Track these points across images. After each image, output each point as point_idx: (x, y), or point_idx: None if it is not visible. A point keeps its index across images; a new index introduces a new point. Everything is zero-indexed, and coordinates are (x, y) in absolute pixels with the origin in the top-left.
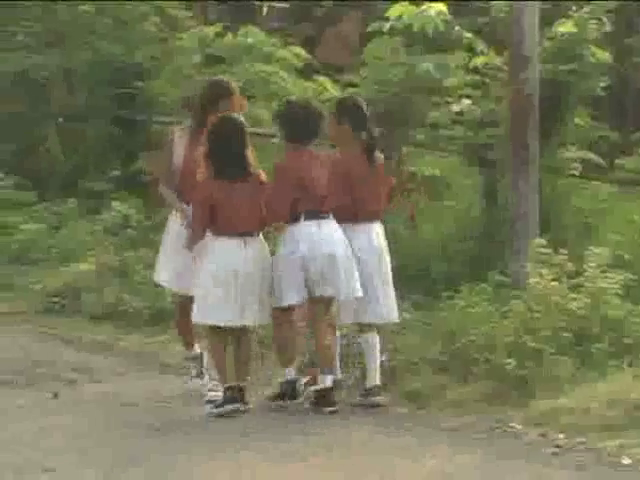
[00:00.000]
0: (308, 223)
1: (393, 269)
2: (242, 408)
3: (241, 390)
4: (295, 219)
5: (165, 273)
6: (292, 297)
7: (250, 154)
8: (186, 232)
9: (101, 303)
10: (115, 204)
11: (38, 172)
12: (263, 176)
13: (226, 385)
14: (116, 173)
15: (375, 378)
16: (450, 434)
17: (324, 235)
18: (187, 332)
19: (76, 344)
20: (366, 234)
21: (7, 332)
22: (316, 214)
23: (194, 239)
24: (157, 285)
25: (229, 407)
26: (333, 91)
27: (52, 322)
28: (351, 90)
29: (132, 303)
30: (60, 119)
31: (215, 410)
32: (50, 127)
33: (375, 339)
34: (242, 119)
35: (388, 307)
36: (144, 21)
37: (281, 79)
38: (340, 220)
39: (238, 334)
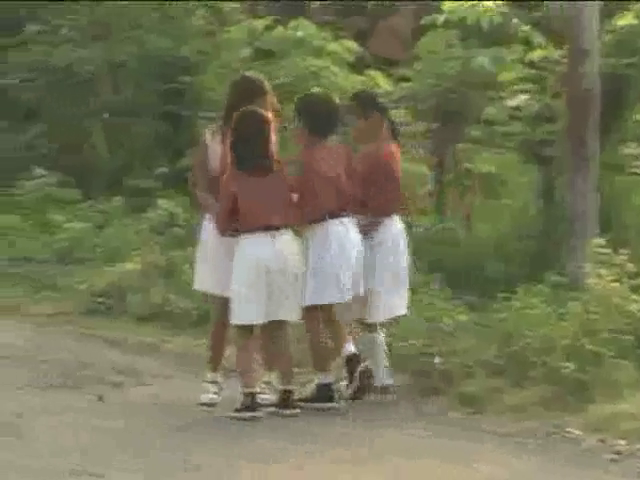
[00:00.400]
0: (336, 222)
1: (447, 269)
2: (260, 415)
3: (289, 393)
4: (322, 218)
5: (209, 280)
6: (333, 295)
7: (273, 148)
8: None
9: (147, 303)
10: (161, 202)
11: (83, 169)
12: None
13: (247, 390)
14: (163, 170)
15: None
16: (506, 439)
17: (352, 235)
18: (219, 344)
19: (122, 346)
20: (398, 226)
21: (53, 334)
22: (341, 213)
23: (221, 234)
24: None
25: (247, 414)
26: (386, 86)
27: (97, 323)
28: (404, 85)
29: (179, 304)
30: (105, 115)
31: (234, 414)
32: (95, 123)
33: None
34: (264, 112)
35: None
36: (192, 15)
37: (332, 73)
38: (379, 214)
39: (272, 332)
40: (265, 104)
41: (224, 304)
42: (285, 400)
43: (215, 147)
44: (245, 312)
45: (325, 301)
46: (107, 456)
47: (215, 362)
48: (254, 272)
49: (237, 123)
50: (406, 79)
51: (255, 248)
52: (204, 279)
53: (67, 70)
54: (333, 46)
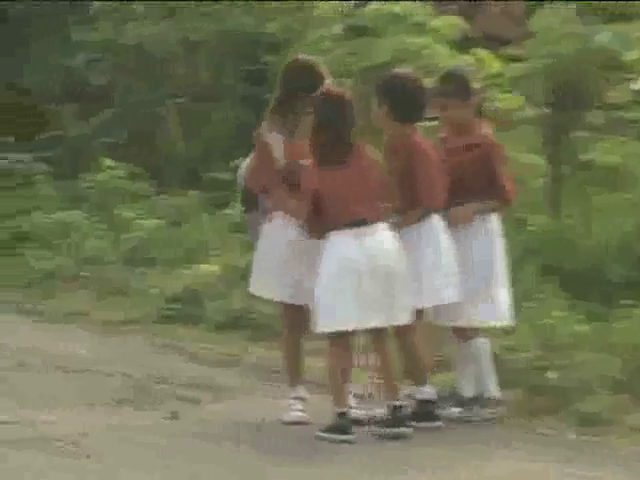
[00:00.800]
0: (437, 216)
1: (564, 272)
2: (352, 439)
3: (399, 408)
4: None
5: (278, 287)
6: (453, 295)
7: (355, 134)
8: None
9: (226, 310)
10: None
11: (155, 159)
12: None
13: (339, 410)
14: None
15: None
16: (631, 464)
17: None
18: (294, 356)
19: (198, 357)
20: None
21: (123, 343)
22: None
23: (312, 236)
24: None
25: (338, 437)
26: (496, 66)
27: (171, 331)
28: (515, 66)
29: (262, 310)
30: (181, 99)
31: (322, 434)
32: (169, 108)
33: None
34: (345, 93)
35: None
36: None
37: (435, 53)
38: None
39: (372, 339)
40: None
41: (295, 311)
42: (394, 418)
43: (276, 141)
44: (335, 316)
45: (445, 301)
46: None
47: (293, 376)
48: (342, 272)
49: (316, 110)
50: (517, 59)
51: (342, 247)
52: (276, 287)
53: (138, 49)
54: (436, 22)
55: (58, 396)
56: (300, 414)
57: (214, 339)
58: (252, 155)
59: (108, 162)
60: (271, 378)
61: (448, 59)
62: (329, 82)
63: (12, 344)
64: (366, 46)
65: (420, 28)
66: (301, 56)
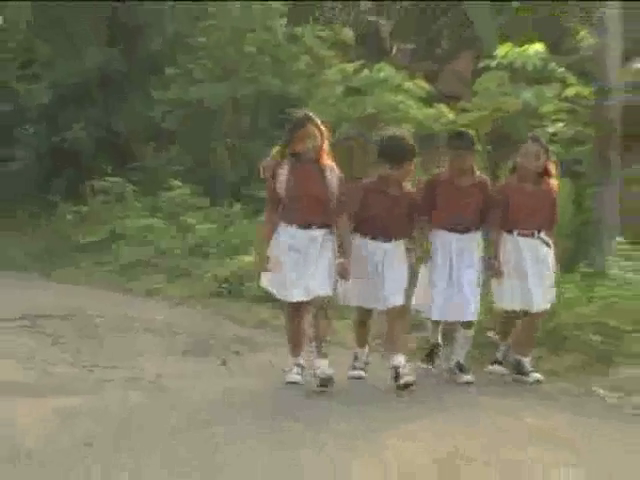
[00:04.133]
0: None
1: None
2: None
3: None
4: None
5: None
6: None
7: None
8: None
9: (260, 288)
10: None
11: (210, 181)
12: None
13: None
14: None
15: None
16: (545, 397)
17: None
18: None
19: (241, 321)
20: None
21: (187, 312)
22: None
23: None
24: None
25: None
26: (450, 116)
27: (220, 304)
28: (465, 115)
29: None
30: (228, 139)
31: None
32: (220, 145)
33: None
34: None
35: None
36: (297, 60)
37: (408, 107)
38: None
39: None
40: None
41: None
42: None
43: (289, 174)
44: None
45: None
46: (234, 407)
47: (294, 349)
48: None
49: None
50: (466, 110)
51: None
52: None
53: (199, 104)
54: (408, 85)
55: (143, 349)
56: (298, 377)
57: (252, 309)
58: None
59: (176, 183)
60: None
61: (417, 111)
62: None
63: (109, 313)
64: (360, 101)
65: (397, 88)
66: (302, 112)
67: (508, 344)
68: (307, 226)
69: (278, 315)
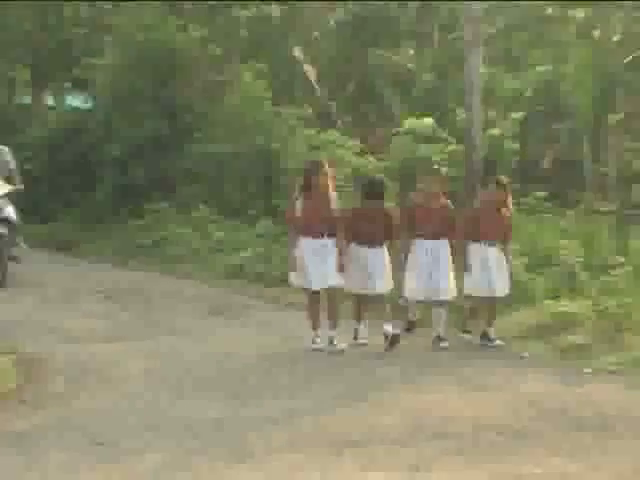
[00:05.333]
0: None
1: None
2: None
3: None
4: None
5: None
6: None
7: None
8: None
9: (270, 275)
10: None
11: (223, 205)
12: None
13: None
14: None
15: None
16: (501, 357)
17: None
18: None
19: (242, 294)
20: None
21: (208, 288)
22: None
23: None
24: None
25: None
26: (375, 163)
27: (230, 283)
28: (382, 163)
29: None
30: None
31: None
32: (229, 181)
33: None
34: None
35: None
36: (278, 127)
37: (347, 157)
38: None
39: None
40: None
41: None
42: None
43: (300, 202)
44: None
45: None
46: (240, 354)
47: (314, 324)
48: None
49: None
50: (383, 160)
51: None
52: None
53: (215, 156)
54: (349, 144)
55: (180, 311)
56: (321, 345)
57: (249, 286)
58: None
59: (201, 206)
60: (294, 306)
61: (354, 160)
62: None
63: (158, 289)
64: (318, 155)
65: (342, 146)
66: (313, 159)
67: (478, 319)
68: (320, 237)
69: (268, 290)
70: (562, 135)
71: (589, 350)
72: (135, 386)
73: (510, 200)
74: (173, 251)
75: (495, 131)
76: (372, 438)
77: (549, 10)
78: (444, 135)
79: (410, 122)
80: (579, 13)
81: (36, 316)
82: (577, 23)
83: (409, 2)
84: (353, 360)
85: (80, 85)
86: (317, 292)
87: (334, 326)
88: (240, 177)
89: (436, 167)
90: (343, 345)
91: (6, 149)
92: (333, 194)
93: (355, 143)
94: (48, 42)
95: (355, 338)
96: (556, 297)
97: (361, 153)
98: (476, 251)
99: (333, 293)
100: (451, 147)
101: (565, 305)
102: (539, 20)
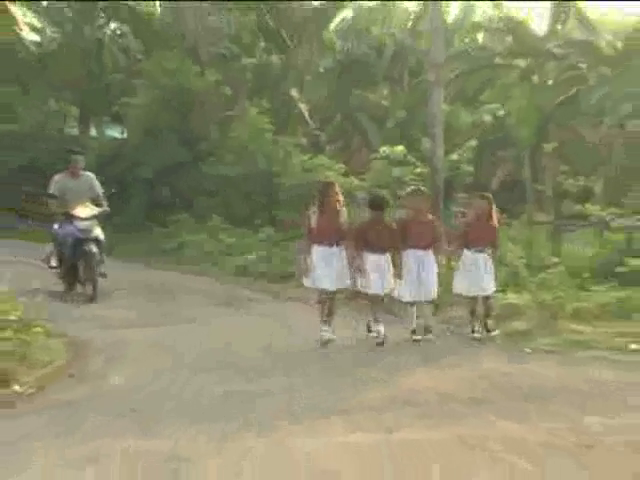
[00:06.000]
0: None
1: None
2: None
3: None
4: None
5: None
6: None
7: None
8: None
9: (272, 272)
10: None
11: (232, 215)
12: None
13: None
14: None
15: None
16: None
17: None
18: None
19: (249, 289)
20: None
21: (219, 284)
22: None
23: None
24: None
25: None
26: (356, 182)
27: (238, 280)
28: (364, 182)
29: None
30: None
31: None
32: (238, 197)
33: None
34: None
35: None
36: (277, 152)
37: (336, 178)
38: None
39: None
40: (336, 195)
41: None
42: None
43: (314, 217)
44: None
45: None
46: (246, 338)
47: (323, 318)
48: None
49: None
50: (364, 180)
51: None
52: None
53: (225, 176)
54: (335, 166)
55: (196, 303)
56: (332, 336)
57: (255, 282)
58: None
59: (215, 216)
60: (291, 299)
61: (340, 179)
62: (336, 188)
63: (178, 283)
64: (310, 176)
65: (330, 168)
66: (327, 179)
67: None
68: (330, 245)
69: (270, 286)
70: (508, 160)
71: (530, 334)
72: (159, 364)
73: (494, 212)
74: (191, 253)
75: (454, 156)
76: (355, 407)
77: (497, 59)
78: (412, 160)
79: (385, 149)
80: (521, 62)
81: (78, 307)
82: (519, 70)
83: (384, 51)
84: (341, 347)
85: (117, 119)
86: (326, 291)
87: (329, 321)
88: (246, 193)
89: (422, 188)
90: (333, 336)
91: (92, 175)
92: (342, 210)
93: (340, 166)
94: (92, 85)
95: (369, 330)
96: (504, 291)
97: (345, 174)
98: (467, 257)
99: (334, 295)
100: (418, 170)
101: (511, 298)
102: (489, 67)
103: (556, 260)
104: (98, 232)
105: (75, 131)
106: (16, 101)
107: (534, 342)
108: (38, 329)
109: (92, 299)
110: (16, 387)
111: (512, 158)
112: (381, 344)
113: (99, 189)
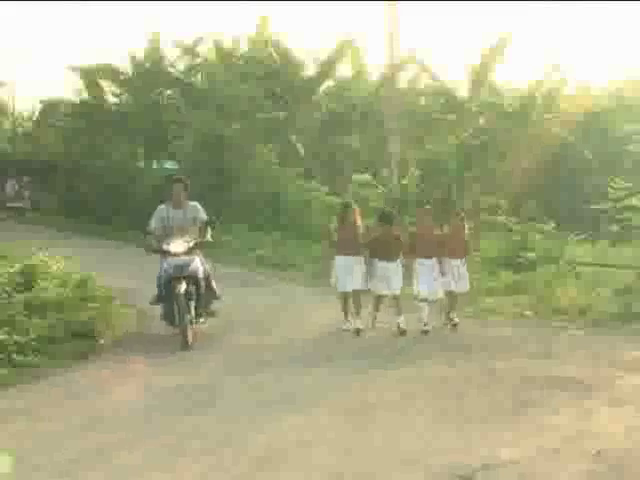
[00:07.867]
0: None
1: None
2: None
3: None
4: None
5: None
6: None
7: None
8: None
9: (273, 259)
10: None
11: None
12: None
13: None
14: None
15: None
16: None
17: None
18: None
19: (265, 274)
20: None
21: (241, 270)
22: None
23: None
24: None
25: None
26: (337, 200)
27: (257, 267)
28: (340, 199)
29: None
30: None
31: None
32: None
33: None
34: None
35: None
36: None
37: (322, 197)
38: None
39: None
40: (354, 213)
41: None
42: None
43: (337, 230)
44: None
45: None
46: (258, 308)
47: (346, 313)
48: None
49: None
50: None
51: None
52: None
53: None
54: (322, 188)
55: (225, 284)
56: (350, 326)
57: (269, 270)
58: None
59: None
60: (295, 282)
61: (326, 198)
62: (356, 210)
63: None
64: (303, 195)
65: (318, 190)
66: (346, 200)
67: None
68: (350, 254)
69: (279, 273)
70: (442, 184)
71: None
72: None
73: (466, 227)
74: (221, 250)
75: (404, 182)
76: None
77: (434, 114)
78: (375, 184)
79: (356, 177)
80: (451, 117)
81: (135, 285)
82: (450, 122)
83: (356, 109)
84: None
85: (172, 156)
86: (345, 292)
87: (358, 314)
88: (260, 208)
89: (428, 207)
90: (361, 326)
91: (197, 205)
92: (360, 226)
93: (325, 188)
94: (154, 133)
95: (372, 324)
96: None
97: (329, 194)
98: (446, 263)
99: (357, 293)
100: (379, 191)
101: None
102: (429, 120)
103: (477, 253)
104: (196, 267)
105: (142, 164)
106: (104, 144)
107: (459, 311)
108: (117, 302)
109: (183, 347)
110: (101, 341)
111: (445, 183)
112: (425, 332)
113: (204, 217)
